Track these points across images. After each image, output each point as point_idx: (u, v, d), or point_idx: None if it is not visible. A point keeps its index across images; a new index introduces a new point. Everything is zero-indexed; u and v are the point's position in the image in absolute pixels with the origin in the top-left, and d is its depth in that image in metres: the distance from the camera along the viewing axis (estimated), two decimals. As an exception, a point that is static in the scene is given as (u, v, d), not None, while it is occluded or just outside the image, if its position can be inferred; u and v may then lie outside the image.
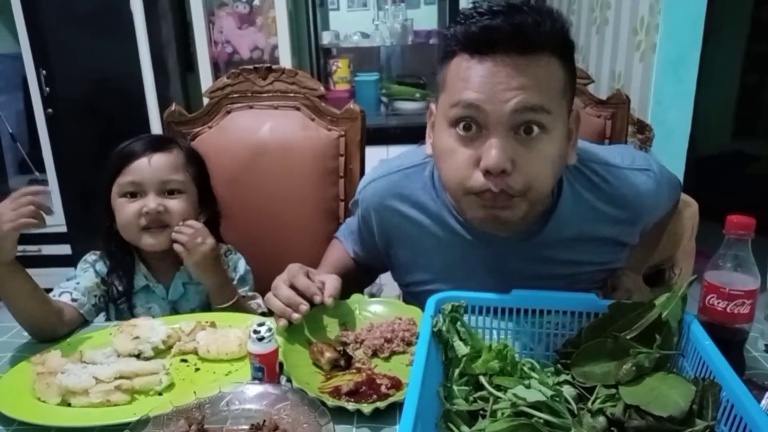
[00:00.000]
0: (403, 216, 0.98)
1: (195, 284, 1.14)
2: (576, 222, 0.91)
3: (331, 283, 0.91)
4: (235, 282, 1.17)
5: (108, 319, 1.12)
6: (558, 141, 0.78)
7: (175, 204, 1.08)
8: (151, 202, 1.05)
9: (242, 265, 1.20)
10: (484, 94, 0.74)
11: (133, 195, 1.06)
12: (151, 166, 1.06)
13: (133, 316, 1.10)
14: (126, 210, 1.06)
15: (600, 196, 0.91)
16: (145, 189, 1.06)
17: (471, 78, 0.75)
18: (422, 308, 0.76)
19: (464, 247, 0.94)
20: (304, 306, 0.87)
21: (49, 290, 1.03)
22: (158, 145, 1.09)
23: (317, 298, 0.88)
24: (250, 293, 1.18)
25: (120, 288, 1.11)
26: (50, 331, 0.97)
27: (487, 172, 0.75)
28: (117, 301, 1.12)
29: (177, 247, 1.05)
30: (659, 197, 0.97)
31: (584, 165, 0.92)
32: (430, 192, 0.95)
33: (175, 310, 1.14)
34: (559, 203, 0.90)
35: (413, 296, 1.04)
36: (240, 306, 1.09)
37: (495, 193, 0.76)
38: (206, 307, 1.13)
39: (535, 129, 0.75)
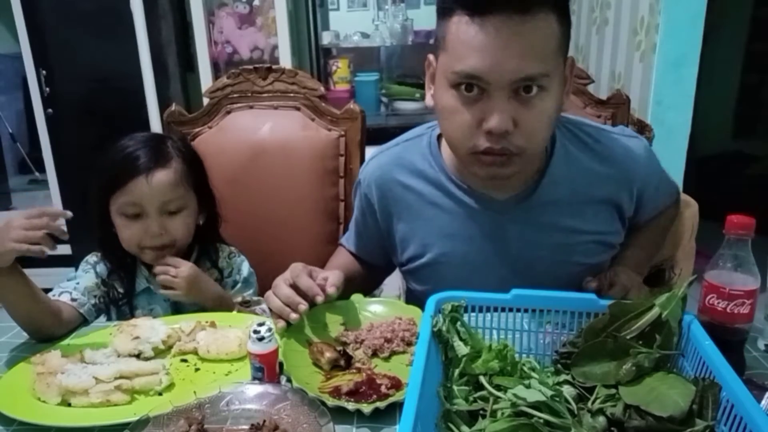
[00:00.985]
0: (404, 186, 1.00)
1: None
2: (569, 182, 0.95)
3: (334, 276, 0.91)
4: (239, 285, 1.17)
5: (109, 320, 1.12)
6: (555, 96, 0.83)
7: (176, 223, 1.08)
8: (154, 225, 1.05)
9: (246, 268, 1.19)
10: (486, 65, 0.77)
11: (133, 213, 1.05)
12: (150, 187, 1.03)
13: (134, 317, 1.09)
14: (127, 232, 1.06)
15: (592, 156, 0.96)
16: (146, 210, 1.05)
17: (472, 45, 0.78)
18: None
19: (463, 213, 0.97)
20: (303, 306, 0.86)
21: (49, 290, 1.03)
22: (156, 159, 1.05)
23: (319, 299, 0.87)
24: (255, 297, 1.17)
25: (120, 290, 1.11)
26: (48, 331, 0.97)
27: (489, 133, 0.80)
28: (118, 303, 1.11)
29: (161, 291, 1.05)
30: (650, 166, 1.01)
31: (578, 128, 0.98)
32: (428, 159, 0.99)
33: (177, 311, 1.13)
34: (551, 163, 0.94)
35: (412, 274, 1.04)
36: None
37: (496, 153, 0.82)
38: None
39: (535, 89, 0.80)
